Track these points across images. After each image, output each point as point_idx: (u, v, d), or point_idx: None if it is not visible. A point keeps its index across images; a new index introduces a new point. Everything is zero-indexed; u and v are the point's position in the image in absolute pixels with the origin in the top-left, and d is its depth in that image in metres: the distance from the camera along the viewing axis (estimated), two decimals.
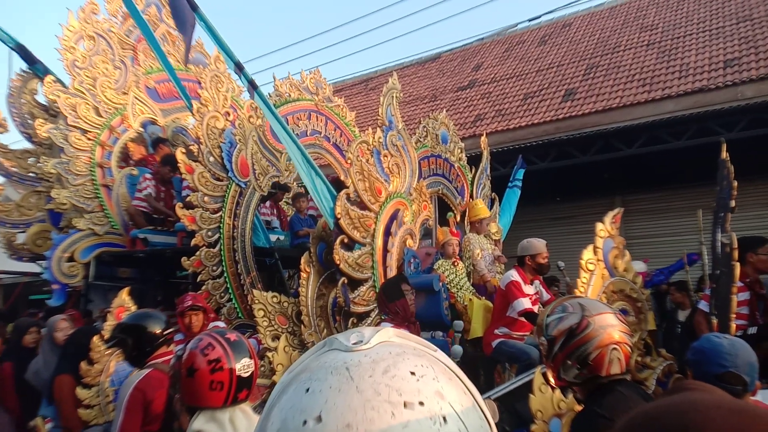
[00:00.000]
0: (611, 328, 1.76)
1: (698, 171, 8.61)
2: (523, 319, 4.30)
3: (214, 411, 1.96)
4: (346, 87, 16.23)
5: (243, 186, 5.51)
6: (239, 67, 4.17)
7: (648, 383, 3.19)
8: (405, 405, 0.55)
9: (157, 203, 6.39)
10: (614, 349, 1.74)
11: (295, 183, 7.87)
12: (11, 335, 5.16)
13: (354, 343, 0.62)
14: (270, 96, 5.86)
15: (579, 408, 3.03)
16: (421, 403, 0.56)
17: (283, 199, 7.44)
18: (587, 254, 3.13)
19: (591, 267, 3.13)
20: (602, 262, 3.21)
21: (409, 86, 14.02)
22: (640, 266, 5.95)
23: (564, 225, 9.93)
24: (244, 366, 1.99)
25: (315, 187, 4.32)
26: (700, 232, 5.23)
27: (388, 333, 0.66)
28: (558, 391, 2.96)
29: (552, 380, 2.04)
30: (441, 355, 0.66)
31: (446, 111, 7.38)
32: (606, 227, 3.28)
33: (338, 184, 5.95)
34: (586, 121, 9.28)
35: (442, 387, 0.59)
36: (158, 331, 2.92)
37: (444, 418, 0.56)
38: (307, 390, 0.57)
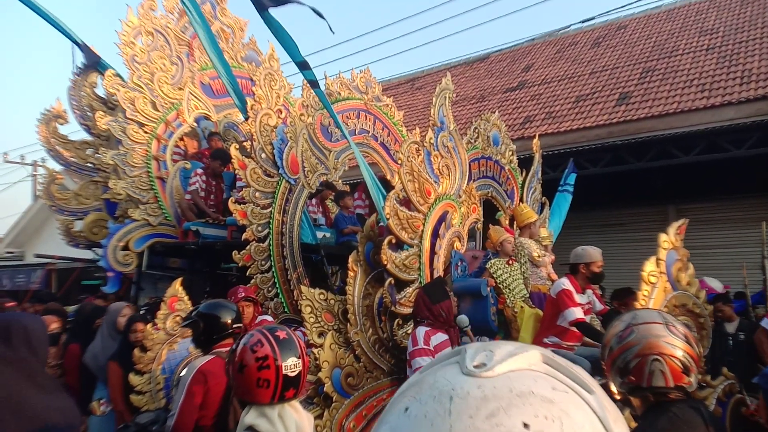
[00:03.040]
0: (655, 339, 1.69)
1: (759, 181, 8.25)
2: (574, 329, 4.19)
3: (263, 407, 1.98)
4: (392, 86, 16.21)
5: (292, 183, 5.57)
6: (303, 66, 4.20)
7: (708, 402, 3.05)
8: None
9: (201, 200, 6.53)
10: (655, 359, 1.68)
11: (340, 181, 7.92)
12: (76, 317, 5.34)
13: (477, 366, 0.51)
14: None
15: (633, 425, 2.94)
16: None
17: (329, 198, 7.50)
18: (649, 266, 3.03)
19: (653, 279, 3.02)
20: (665, 274, 3.09)
21: (457, 86, 13.86)
22: (716, 285, 5.72)
23: (614, 233, 9.65)
24: (291, 365, 2.00)
25: (376, 186, 4.30)
26: (764, 245, 4.97)
27: (533, 358, 0.53)
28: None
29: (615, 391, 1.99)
30: (596, 400, 0.51)
31: (495, 112, 7.26)
32: (670, 238, 3.16)
33: (384, 184, 5.96)
34: (641, 126, 8.98)
35: None
36: (229, 321, 3.00)
37: None
38: (406, 410, 0.51)
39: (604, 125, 9.42)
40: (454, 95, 13.32)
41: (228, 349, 2.85)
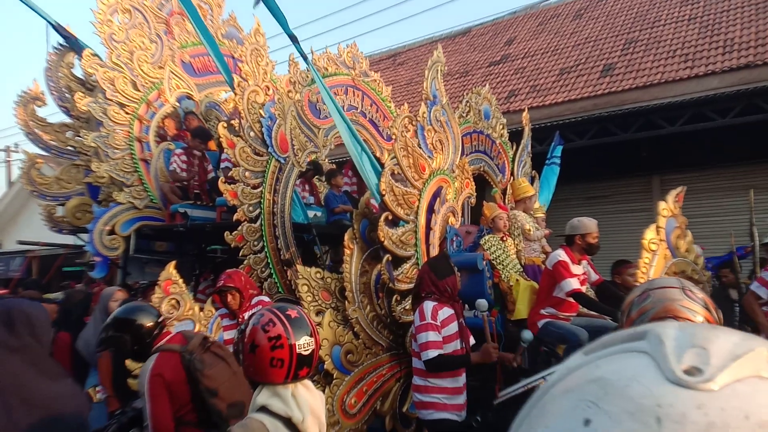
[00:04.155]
0: (670, 303, 1.67)
1: (744, 150, 8.35)
2: (570, 299, 4.22)
3: (276, 386, 1.95)
4: (374, 62, 15.95)
5: (282, 162, 5.48)
6: (294, 39, 4.09)
7: None
8: None
9: (181, 176, 6.39)
10: None
11: (326, 160, 7.83)
12: (64, 305, 5.23)
13: (687, 370, 0.38)
14: (308, 70, 5.79)
15: None
16: None
17: (315, 177, 7.41)
18: (650, 234, 3.04)
19: (654, 247, 3.04)
20: (664, 242, 3.10)
21: None
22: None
23: (599, 205, 9.73)
24: (304, 343, 1.98)
25: (362, 163, 4.25)
26: (752, 212, 5.02)
27: (759, 358, 0.38)
28: None
29: None
30: None
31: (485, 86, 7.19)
32: (669, 206, 3.17)
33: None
34: (626, 98, 9.00)
35: None
36: (151, 324, 2.88)
37: None
38: (587, 423, 0.38)
39: (589, 97, 9.43)
40: None
41: (166, 339, 2.81)
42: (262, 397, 1.96)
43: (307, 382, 2.09)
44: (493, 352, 3.38)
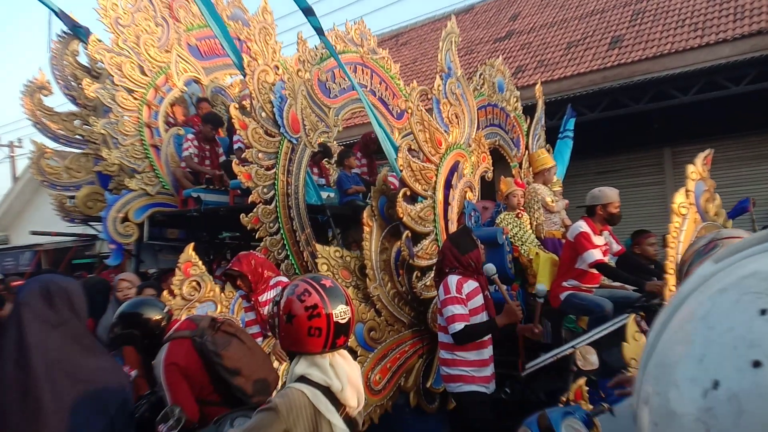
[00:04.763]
0: None
1: (759, 118, 8.23)
2: (593, 271, 4.18)
3: (314, 356, 1.93)
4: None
5: (294, 142, 5.42)
6: (308, 12, 4.01)
7: None
8: None
9: (196, 164, 6.38)
10: None
11: (335, 143, 7.76)
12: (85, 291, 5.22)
13: None
14: (316, 48, 5.71)
15: None
16: None
17: (324, 159, 7.35)
18: (679, 197, 2.98)
19: (683, 211, 2.98)
20: (694, 205, 3.05)
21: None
22: None
23: (610, 179, 9.64)
24: (341, 312, 1.96)
25: (387, 138, 4.18)
26: (754, 222, 4.91)
27: None
28: None
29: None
30: None
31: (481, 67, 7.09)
32: (698, 169, 3.11)
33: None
34: (636, 69, 8.88)
35: None
36: (158, 316, 2.86)
37: None
38: (764, 312, 0.37)
39: (598, 70, 9.31)
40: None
41: (174, 328, 2.78)
42: (301, 367, 1.95)
43: (344, 352, 2.08)
44: (516, 310, 3.34)
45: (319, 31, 4.06)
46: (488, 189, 5.96)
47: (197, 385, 2.67)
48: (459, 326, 3.28)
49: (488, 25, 13.38)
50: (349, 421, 2.00)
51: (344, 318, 1.98)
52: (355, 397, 2.01)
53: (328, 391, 1.92)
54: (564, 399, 2.51)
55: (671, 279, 2.92)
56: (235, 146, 6.21)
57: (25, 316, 1.59)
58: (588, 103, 8.72)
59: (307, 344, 1.93)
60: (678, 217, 2.97)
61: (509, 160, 5.80)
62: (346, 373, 1.98)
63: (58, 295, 1.71)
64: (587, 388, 2.62)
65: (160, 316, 2.87)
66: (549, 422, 1.84)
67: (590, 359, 2.78)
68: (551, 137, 7.03)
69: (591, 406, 2.69)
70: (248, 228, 5.05)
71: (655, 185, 9.59)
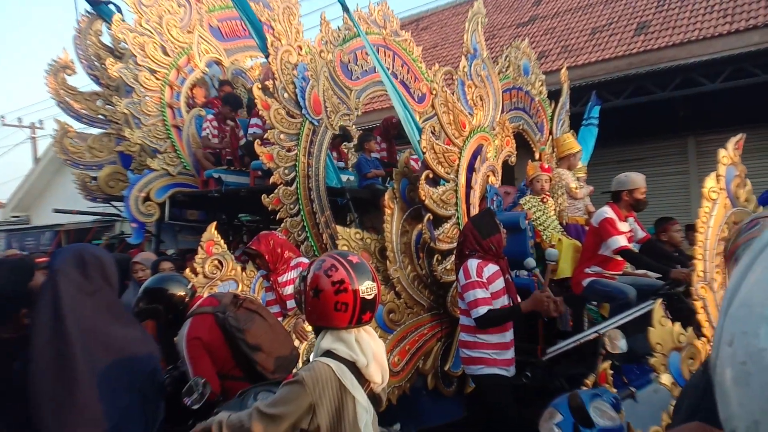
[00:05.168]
0: None
1: None
2: (617, 257, 4.13)
3: (340, 331, 1.93)
4: None
5: (316, 124, 5.41)
6: None
7: None
8: None
9: (213, 142, 6.39)
10: None
11: (354, 127, 7.73)
12: None
13: None
14: (339, 29, 5.67)
15: (698, 342, 2.90)
16: None
17: (343, 143, 7.33)
18: (710, 182, 2.91)
19: (714, 196, 2.92)
20: (725, 190, 2.98)
21: (464, 25, 13.42)
22: None
23: (633, 167, 9.45)
24: (367, 288, 1.96)
25: (409, 120, 4.15)
26: None
27: None
28: (678, 325, 2.83)
29: None
30: None
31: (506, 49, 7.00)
32: (729, 153, 3.04)
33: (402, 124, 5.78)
34: (662, 56, 8.70)
35: None
36: (182, 292, 2.88)
37: None
38: None
39: (624, 56, 9.14)
40: (462, 33, 12.92)
41: (197, 303, 2.80)
42: (327, 341, 1.95)
43: (369, 329, 2.07)
44: (545, 299, 3.21)
45: (347, 8, 4.02)
46: (507, 174, 5.91)
47: (219, 360, 2.70)
48: (483, 310, 3.26)
49: (511, 10, 13.18)
50: (372, 397, 2.01)
51: (370, 294, 1.97)
52: (379, 374, 2.01)
53: (353, 367, 1.92)
54: (589, 382, 2.48)
55: (700, 264, 2.87)
56: (250, 131, 6.22)
57: (61, 283, 1.60)
58: (612, 90, 8.57)
59: (333, 319, 1.94)
60: (708, 202, 2.91)
61: (532, 145, 5.72)
62: (371, 349, 1.98)
63: (92, 264, 1.72)
64: (611, 372, 2.60)
65: (184, 292, 2.89)
66: (581, 401, 1.82)
67: (618, 343, 2.75)
68: (575, 124, 6.92)
69: (615, 390, 2.67)
70: (269, 209, 5.06)
71: (678, 174, 9.43)
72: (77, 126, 7.76)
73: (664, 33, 9.25)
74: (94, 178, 7.37)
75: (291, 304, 4.06)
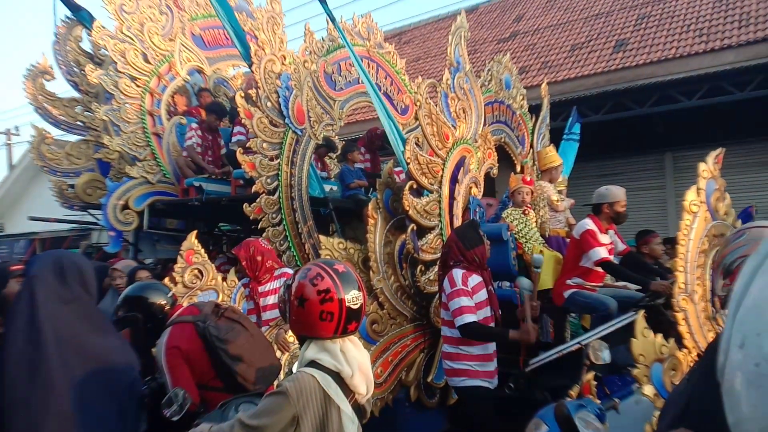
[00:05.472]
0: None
1: (760, 124, 8.24)
2: (598, 269, 4.17)
3: (325, 341, 1.90)
4: None
5: (299, 133, 5.39)
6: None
7: None
8: None
9: (198, 155, 6.32)
10: None
11: (337, 137, 7.73)
12: None
13: None
14: (323, 40, 5.68)
15: (679, 353, 2.93)
16: None
17: (327, 155, 7.32)
18: (691, 195, 2.97)
19: (694, 209, 2.97)
20: (705, 204, 3.04)
21: (446, 39, 13.57)
22: None
23: (610, 182, 9.62)
24: (353, 297, 1.93)
25: (394, 131, 4.15)
26: None
27: None
28: (660, 336, 2.86)
29: None
30: None
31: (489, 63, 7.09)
32: (709, 167, 3.09)
33: (386, 137, 5.79)
34: (640, 73, 8.90)
35: None
36: (162, 301, 2.84)
37: None
38: None
39: (603, 73, 9.32)
40: (443, 48, 13.02)
41: (177, 313, 2.75)
42: (311, 351, 1.92)
43: (355, 339, 2.04)
44: (532, 332, 3.24)
45: (333, 18, 4.03)
46: (489, 186, 5.95)
47: (198, 370, 2.63)
48: (467, 318, 3.25)
49: (492, 26, 13.37)
50: (357, 408, 1.98)
51: (356, 303, 1.95)
52: (364, 384, 1.98)
53: (338, 377, 1.89)
54: (573, 393, 2.48)
55: (681, 276, 2.90)
56: (234, 138, 6.17)
57: (38, 290, 1.55)
58: (591, 106, 8.72)
59: (318, 329, 1.90)
60: (689, 215, 2.95)
61: (514, 158, 5.77)
62: (356, 360, 1.95)
63: (70, 271, 1.67)
64: (595, 383, 2.60)
65: (165, 301, 2.83)
66: (567, 411, 1.82)
67: (602, 354, 2.77)
68: (555, 138, 7.01)
69: (598, 401, 2.67)
70: (251, 218, 5.01)
71: (655, 189, 9.60)
72: (55, 132, 7.63)
73: (642, 51, 9.47)
74: (72, 186, 7.24)
75: (269, 315, 3.99)
